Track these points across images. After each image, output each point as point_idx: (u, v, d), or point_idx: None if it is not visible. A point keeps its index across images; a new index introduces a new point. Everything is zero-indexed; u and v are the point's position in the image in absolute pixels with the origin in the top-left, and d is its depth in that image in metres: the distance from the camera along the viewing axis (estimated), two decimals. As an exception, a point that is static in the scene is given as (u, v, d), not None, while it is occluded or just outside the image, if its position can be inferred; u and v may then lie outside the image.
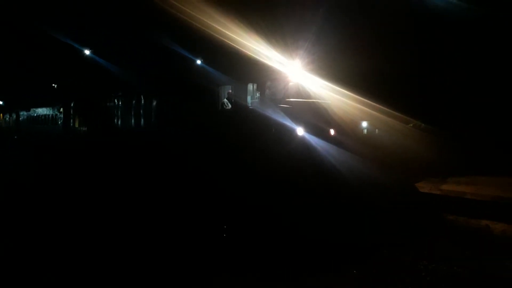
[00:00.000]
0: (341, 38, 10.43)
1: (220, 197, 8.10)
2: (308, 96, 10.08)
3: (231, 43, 10.66)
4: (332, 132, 9.52)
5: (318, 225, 6.49)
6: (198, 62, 13.63)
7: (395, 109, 10.65)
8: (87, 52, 17.80)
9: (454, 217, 7.10)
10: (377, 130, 10.85)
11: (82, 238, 5.42)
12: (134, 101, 15.26)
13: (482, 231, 6.29)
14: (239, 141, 9.54)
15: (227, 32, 10.73)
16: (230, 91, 11.53)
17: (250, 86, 10.86)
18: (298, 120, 9.07)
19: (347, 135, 9.72)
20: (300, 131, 8.94)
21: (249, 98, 10.70)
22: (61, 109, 20.48)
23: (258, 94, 11.35)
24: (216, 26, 11.13)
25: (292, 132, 8.88)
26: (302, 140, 8.81)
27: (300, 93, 10.03)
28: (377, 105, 10.42)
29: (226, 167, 9.39)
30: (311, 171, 7.97)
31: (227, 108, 11.45)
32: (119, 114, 16.07)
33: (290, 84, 10.16)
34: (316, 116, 9.36)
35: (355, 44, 10.44)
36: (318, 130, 9.08)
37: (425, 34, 10.78)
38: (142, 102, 14.96)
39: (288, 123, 8.97)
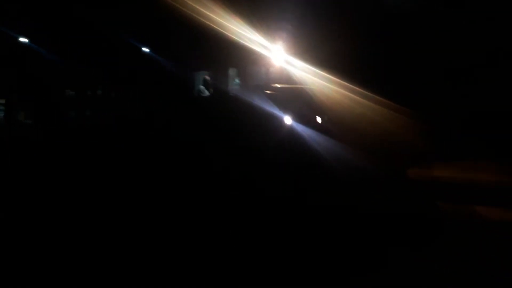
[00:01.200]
0: (325, 20, 9.84)
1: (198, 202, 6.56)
2: (293, 81, 9.48)
3: (207, 22, 9.77)
4: (320, 120, 8.99)
5: (310, 225, 5.89)
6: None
7: (379, 93, 10.26)
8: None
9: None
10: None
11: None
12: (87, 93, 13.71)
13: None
14: (219, 132, 8.76)
15: (202, 11, 9.80)
16: (207, 77, 10.72)
17: (230, 71, 10.09)
18: (286, 108, 8.45)
19: (334, 123, 9.23)
20: (288, 120, 8.31)
21: (230, 84, 9.95)
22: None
23: (237, 80, 10.63)
24: (190, 4, 10.18)
25: (280, 121, 8.25)
26: (291, 130, 8.20)
27: (285, 79, 9.40)
28: (361, 90, 9.98)
29: (205, 163, 8.29)
30: (304, 165, 7.37)
31: (204, 95, 10.66)
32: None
33: (274, 68, 9.49)
34: (303, 103, 8.77)
35: (340, 26, 9.88)
36: (306, 118, 8.51)
37: (411, 15, 10.40)
38: (99, 93, 13.53)
39: (275, 111, 8.32)
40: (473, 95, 10.60)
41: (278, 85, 8.91)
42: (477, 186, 7.46)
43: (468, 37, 10.49)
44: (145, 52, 12.78)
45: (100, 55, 13.23)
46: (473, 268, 3.92)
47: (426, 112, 10.70)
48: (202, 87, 10.84)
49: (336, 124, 9.29)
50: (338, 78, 9.72)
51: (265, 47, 9.58)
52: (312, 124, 8.82)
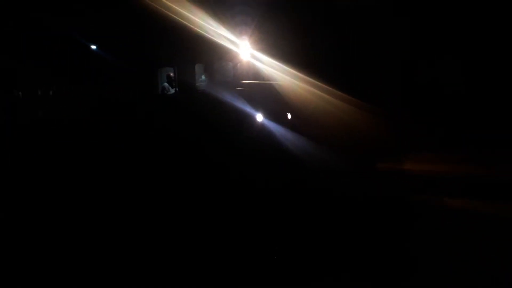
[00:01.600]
0: (292, 14, 9.78)
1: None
2: (260, 77, 9.32)
3: (172, 16, 9.37)
4: (289, 116, 8.92)
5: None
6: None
7: (344, 89, 10.36)
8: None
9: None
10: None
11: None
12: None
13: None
14: (188, 132, 8.42)
15: (166, 3, 9.39)
16: (171, 73, 10.29)
17: (196, 67, 9.75)
18: (255, 104, 8.29)
19: (301, 119, 9.21)
20: (259, 116, 8.16)
21: (196, 80, 9.61)
22: None
23: (203, 77, 10.30)
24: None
25: (250, 118, 8.07)
26: (262, 127, 8.05)
27: (252, 74, 9.24)
28: (325, 85, 10.01)
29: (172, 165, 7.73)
30: (277, 163, 7.26)
31: (169, 93, 10.22)
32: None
33: (241, 64, 9.29)
34: (272, 99, 8.66)
35: (306, 21, 9.86)
36: (276, 115, 8.40)
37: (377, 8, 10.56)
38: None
39: (245, 107, 8.14)
40: (431, 86, 11.02)
41: (246, 81, 8.73)
42: (439, 176, 7.75)
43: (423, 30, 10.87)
44: (99, 49, 12.00)
45: (48, 52, 12.36)
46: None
47: (389, 106, 10.97)
48: (166, 84, 10.42)
49: (302, 119, 9.29)
50: (304, 74, 9.72)
51: (232, 42, 9.36)
52: (280, 120, 8.74)
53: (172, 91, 10.21)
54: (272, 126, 8.49)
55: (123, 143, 8.80)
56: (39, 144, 9.42)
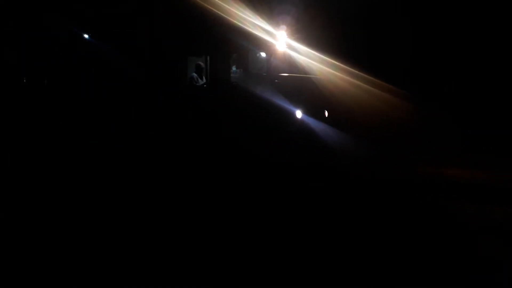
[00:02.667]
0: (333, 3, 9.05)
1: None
2: (297, 70, 8.68)
3: (202, 2, 8.73)
4: (327, 113, 8.28)
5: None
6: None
7: (388, 81, 9.62)
8: None
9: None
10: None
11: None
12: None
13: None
14: (218, 129, 7.85)
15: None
16: (201, 63, 9.68)
17: (228, 58, 9.12)
18: (294, 100, 7.65)
19: (342, 115, 8.56)
20: (298, 113, 7.53)
21: (228, 72, 8.98)
22: None
23: (234, 68, 9.68)
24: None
25: (290, 115, 7.45)
26: (302, 125, 7.42)
27: (291, 66, 8.59)
28: (371, 78, 9.30)
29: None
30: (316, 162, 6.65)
31: (198, 84, 9.62)
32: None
33: (278, 55, 8.64)
34: (311, 94, 8.01)
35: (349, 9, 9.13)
36: (316, 111, 7.77)
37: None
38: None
39: (283, 103, 7.51)
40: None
41: (286, 74, 8.07)
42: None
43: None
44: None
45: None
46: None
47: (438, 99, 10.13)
48: (195, 74, 9.82)
49: (343, 114, 8.64)
50: (346, 66, 9.03)
51: (268, 32, 8.70)
52: (319, 116, 8.11)
53: (201, 82, 9.63)
54: (312, 123, 7.87)
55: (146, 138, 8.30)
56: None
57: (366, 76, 9.08)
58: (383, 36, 9.39)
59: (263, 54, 8.86)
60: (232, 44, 8.59)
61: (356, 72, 8.96)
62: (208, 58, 8.95)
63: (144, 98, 9.87)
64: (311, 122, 7.80)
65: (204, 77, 9.54)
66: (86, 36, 11.59)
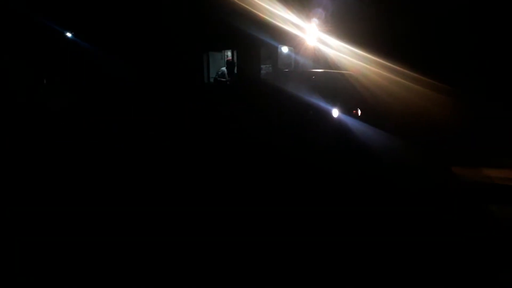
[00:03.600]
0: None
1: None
2: (330, 65, 8.32)
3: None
4: (364, 111, 7.86)
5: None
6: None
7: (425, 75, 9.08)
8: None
9: None
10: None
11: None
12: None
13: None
14: (245, 131, 7.41)
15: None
16: (229, 57, 9.42)
17: (256, 53, 8.83)
18: (329, 97, 7.26)
19: (379, 114, 8.13)
20: (335, 112, 7.15)
21: (257, 67, 8.70)
22: None
23: (263, 64, 9.38)
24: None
25: (325, 114, 7.08)
26: (339, 125, 7.02)
27: (321, 62, 8.24)
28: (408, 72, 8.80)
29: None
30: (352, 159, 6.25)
31: (223, 80, 9.31)
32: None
33: (310, 49, 8.30)
34: (347, 91, 7.62)
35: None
36: (352, 110, 7.37)
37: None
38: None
39: (318, 101, 7.14)
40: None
41: (319, 70, 7.69)
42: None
43: None
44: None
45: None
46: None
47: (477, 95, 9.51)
48: (224, 69, 9.59)
49: (379, 111, 8.21)
50: (383, 60, 8.59)
51: (298, 26, 8.37)
52: (354, 115, 7.70)
53: (227, 78, 9.36)
54: (346, 120, 7.47)
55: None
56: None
57: (419, 76, 8.54)
58: (439, 29, 8.74)
59: (295, 49, 8.54)
60: (257, 38, 8.22)
61: (408, 72, 8.45)
62: (235, 53, 8.66)
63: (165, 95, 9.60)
64: (346, 119, 7.41)
65: (233, 72, 9.28)
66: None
